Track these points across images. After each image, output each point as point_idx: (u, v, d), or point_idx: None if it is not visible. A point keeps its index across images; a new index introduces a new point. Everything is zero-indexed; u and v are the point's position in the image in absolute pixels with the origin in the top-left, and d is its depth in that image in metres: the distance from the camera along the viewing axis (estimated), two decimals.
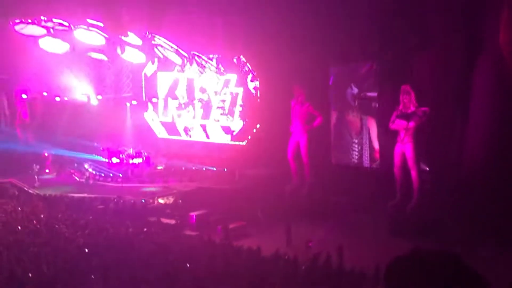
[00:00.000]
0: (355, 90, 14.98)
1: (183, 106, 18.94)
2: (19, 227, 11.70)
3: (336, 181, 14.67)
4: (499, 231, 10.95)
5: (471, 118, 12.79)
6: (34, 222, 12.13)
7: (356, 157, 15.22)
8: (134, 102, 19.40)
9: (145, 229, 12.10)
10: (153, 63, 18.76)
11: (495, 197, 11.70)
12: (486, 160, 12.39)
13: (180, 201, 14.75)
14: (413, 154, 12.40)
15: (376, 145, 14.73)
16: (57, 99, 18.93)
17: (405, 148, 12.48)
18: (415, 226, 11.93)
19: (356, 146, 15.24)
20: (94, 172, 17.43)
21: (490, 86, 12.50)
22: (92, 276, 8.60)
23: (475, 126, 12.72)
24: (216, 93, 18.22)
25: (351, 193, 14.02)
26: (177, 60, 16.72)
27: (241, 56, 17.16)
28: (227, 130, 18.01)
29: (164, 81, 19.17)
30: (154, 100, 19.37)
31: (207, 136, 18.55)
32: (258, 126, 17.21)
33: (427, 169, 13.34)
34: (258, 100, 17.23)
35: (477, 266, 2.89)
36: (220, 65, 17.43)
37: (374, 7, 14.12)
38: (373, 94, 14.67)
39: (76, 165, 18.11)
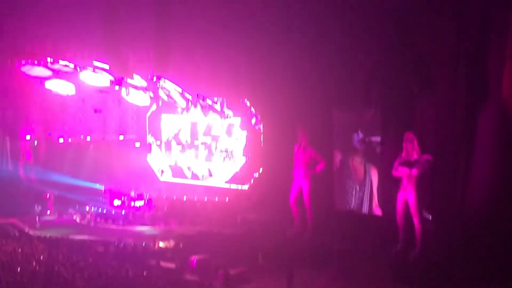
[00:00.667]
0: (360, 135, 14.95)
1: (186, 148, 18.93)
2: (19, 269, 11.60)
3: (338, 227, 14.59)
4: (503, 278, 10.87)
5: (474, 166, 12.75)
6: (34, 263, 12.04)
7: (359, 203, 15.12)
8: (137, 144, 19.39)
9: (145, 273, 12.00)
10: (157, 105, 18.81)
11: (499, 245, 11.63)
12: (489, 208, 12.32)
13: (181, 244, 14.63)
14: (415, 201, 12.35)
15: (379, 191, 14.67)
16: (61, 140, 18.94)
17: (407, 195, 12.43)
18: (418, 274, 11.83)
19: (359, 192, 15.16)
20: (95, 214, 17.34)
21: (493, 133, 12.50)
22: None
23: (479, 174, 12.68)
24: (219, 136, 18.21)
25: (354, 239, 13.90)
26: (181, 102, 16.79)
27: (246, 100, 17.21)
28: (229, 173, 17.95)
29: (168, 123, 19.20)
30: (157, 142, 19.37)
31: (210, 179, 18.48)
32: (261, 170, 17.17)
33: (430, 217, 13.26)
34: (262, 144, 17.22)
35: None
36: (224, 108, 17.47)
37: (378, 53, 14.22)
38: (377, 139, 14.65)
39: (77, 206, 18.03)
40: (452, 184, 12.95)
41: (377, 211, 14.72)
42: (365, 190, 15.01)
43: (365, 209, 15.05)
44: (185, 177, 19.04)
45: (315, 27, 14.86)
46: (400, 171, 12.55)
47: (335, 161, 15.50)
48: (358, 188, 15.12)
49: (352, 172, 15.24)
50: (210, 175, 18.51)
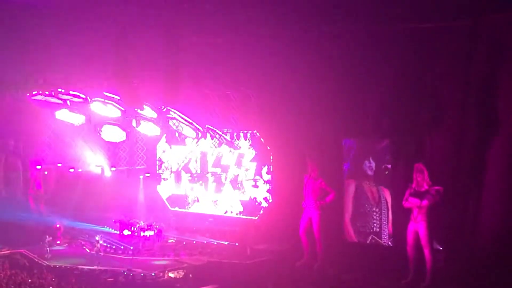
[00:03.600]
0: (371, 163, 14.94)
1: (196, 179, 18.96)
2: None
3: (348, 258, 14.55)
4: None
5: (484, 197, 12.75)
6: None
7: (369, 234, 15.09)
8: (147, 175, 19.44)
9: None
10: (167, 136, 18.89)
11: (510, 277, 11.58)
12: (500, 240, 12.29)
13: (190, 275, 14.60)
14: (426, 232, 12.33)
15: (389, 222, 14.63)
16: (71, 170, 19.02)
17: (418, 226, 12.42)
18: None
19: (369, 222, 15.13)
20: (105, 244, 17.31)
21: (503, 165, 12.51)
22: None
23: (489, 205, 12.67)
24: (229, 167, 18.24)
25: (364, 270, 13.87)
26: (191, 133, 16.82)
27: (255, 131, 17.27)
28: (239, 204, 17.96)
29: (178, 154, 19.26)
30: (167, 172, 19.41)
31: (219, 210, 18.48)
32: (270, 200, 17.18)
33: (440, 248, 13.22)
34: (271, 174, 17.24)
35: None
36: (234, 139, 17.52)
37: (389, 85, 14.29)
38: (388, 167, 14.63)
39: (87, 236, 18.02)
40: (463, 215, 12.94)
41: (388, 241, 14.68)
42: (376, 221, 14.97)
43: (375, 240, 15.01)
44: (194, 207, 19.04)
45: (326, 57, 14.94)
46: (411, 202, 12.56)
47: (345, 192, 15.49)
48: (368, 218, 15.09)
49: (363, 203, 15.21)
50: (220, 210, 18.49)
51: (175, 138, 18.85)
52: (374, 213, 14.88)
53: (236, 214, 18.10)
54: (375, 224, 14.91)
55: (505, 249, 12.25)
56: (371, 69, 14.53)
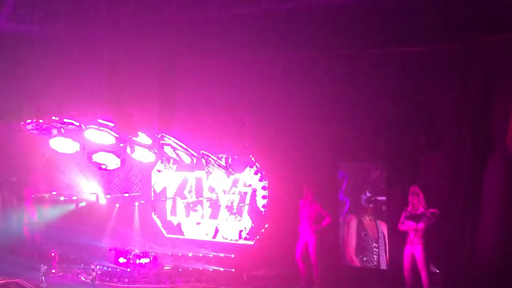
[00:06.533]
0: (367, 195, 14.99)
1: (191, 205, 18.89)
2: None
3: (344, 282, 14.53)
4: None
5: (481, 219, 12.74)
6: None
7: (366, 258, 15.07)
8: (142, 202, 19.37)
9: None
10: (162, 162, 18.86)
11: None
12: (497, 262, 12.26)
13: None
14: (423, 256, 12.30)
15: (386, 246, 14.62)
16: (66, 198, 18.95)
17: (414, 249, 12.39)
18: None
19: (365, 246, 15.12)
20: (100, 272, 17.21)
21: (500, 187, 12.52)
22: None
23: (486, 228, 12.66)
24: (224, 192, 18.20)
25: None
26: (186, 159, 16.80)
27: (250, 156, 17.26)
28: (235, 229, 17.89)
29: (173, 180, 19.21)
30: (162, 199, 19.35)
31: (215, 236, 18.41)
32: (266, 226, 17.12)
33: (438, 271, 13.18)
34: (267, 200, 17.21)
35: None
36: (229, 165, 17.49)
37: (384, 109, 14.34)
38: (383, 197, 14.69)
39: (82, 265, 17.92)
40: (460, 238, 12.92)
41: (384, 265, 14.65)
42: (372, 245, 14.96)
43: (372, 264, 14.99)
44: (190, 233, 18.97)
45: (320, 82, 14.99)
46: (407, 225, 12.54)
47: (340, 216, 15.49)
48: (364, 242, 15.09)
49: (359, 227, 15.21)
50: (215, 236, 18.43)
51: (169, 164, 18.76)
52: (375, 248, 14.91)
53: (232, 239, 17.97)
54: (375, 258, 14.93)
55: (503, 272, 12.22)
56: (365, 93, 14.59)
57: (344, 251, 15.57)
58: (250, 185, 17.59)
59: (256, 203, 17.49)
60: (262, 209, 17.34)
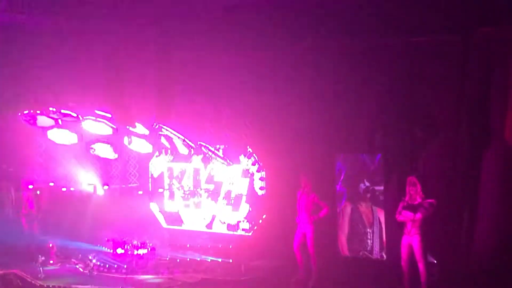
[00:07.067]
0: (365, 184, 15.02)
1: (189, 196, 18.91)
2: None
3: (343, 273, 14.55)
4: None
5: (479, 210, 12.77)
6: None
7: (364, 248, 15.12)
8: (140, 192, 19.38)
9: None
10: (160, 153, 18.86)
11: None
12: (494, 252, 12.29)
13: None
14: (420, 246, 12.30)
15: (383, 236, 14.66)
16: (63, 189, 18.95)
17: (412, 240, 12.39)
18: None
19: (363, 237, 15.16)
20: (98, 263, 17.23)
21: (497, 176, 12.54)
22: None
23: (483, 218, 12.68)
24: (222, 183, 18.22)
25: (359, 285, 13.85)
26: (183, 150, 16.82)
27: (248, 147, 17.27)
28: (232, 220, 17.92)
29: (170, 171, 19.22)
30: (160, 190, 19.37)
31: (212, 227, 18.44)
32: (264, 216, 17.15)
33: (435, 261, 13.21)
34: (264, 190, 17.23)
35: None
36: (226, 156, 17.49)
37: (381, 99, 14.34)
38: (381, 187, 14.73)
39: (80, 255, 17.93)
40: (457, 228, 12.95)
41: (382, 256, 14.69)
42: (370, 235, 15.00)
43: (369, 254, 15.03)
44: (188, 224, 18.99)
45: (318, 73, 14.99)
46: (404, 215, 12.54)
47: (338, 206, 15.53)
48: (362, 233, 15.13)
49: (357, 218, 15.25)
50: (213, 227, 18.46)
51: (167, 155, 18.76)
52: (368, 234, 14.96)
53: (230, 230, 17.99)
54: (368, 243, 14.99)
55: (500, 262, 12.26)
56: (362, 84, 14.59)
57: (337, 236, 15.62)
58: (247, 176, 17.61)
59: (253, 194, 17.51)
60: (260, 200, 17.36)
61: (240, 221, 17.78)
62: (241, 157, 17.52)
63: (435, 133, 13.47)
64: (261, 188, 17.33)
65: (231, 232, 17.93)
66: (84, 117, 15.58)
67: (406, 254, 12.61)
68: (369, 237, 15.00)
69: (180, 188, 19.08)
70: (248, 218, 17.62)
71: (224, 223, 18.15)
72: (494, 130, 12.72)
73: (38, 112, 15.61)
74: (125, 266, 16.93)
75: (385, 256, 14.61)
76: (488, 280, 12.21)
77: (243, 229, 17.74)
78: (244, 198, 17.73)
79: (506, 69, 12.67)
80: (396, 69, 14.11)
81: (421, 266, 12.38)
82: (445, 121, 13.59)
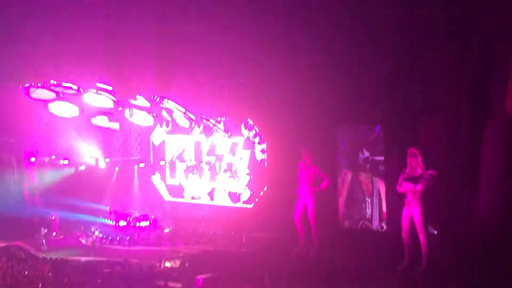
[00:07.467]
0: (365, 154, 15.04)
1: (190, 169, 18.95)
2: None
3: (344, 244, 14.60)
4: None
5: (480, 181, 12.78)
6: (40, 286, 12.02)
7: (364, 220, 15.19)
8: (141, 165, 19.41)
9: None
10: (161, 126, 18.85)
11: (506, 261, 11.62)
12: (495, 223, 12.33)
13: (187, 264, 14.63)
14: (421, 217, 12.34)
15: (384, 208, 14.72)
16: (65, 162, 18.98)
17: (413, 211, 12.43)
18: None
19: (364, 209, 15.22)
20: (100, 235, 17.32)
21: (499, 148, 12.54)
22: None
23: (484, 189, 12.70)
24: (223, 155, 18.24)
25: (359, 256, 13.91)
26: (185, 123, 16.81)
27: (249, 119, 17.26)
28: (234, 193, 17.96)
29: (171, 144, 19.27)
30: (161, 163, 19.41)
31: (214, 199, 18.49)
32: (265, 189, 17.19)
33: (435, 232, 13.25)
34: (266, 162, 17.25)
35: None
36: (227, 128, 17.49)
37: (382, 71, 14.29)
38: (381, 158, 14.75)
39: (83, 228, 18.02)
40: (458, 200, 12.97)
41: (383, 227, 14.75)
42: (370, 207, 15.07)
43: (370, 226, 15.09)
44: (189, 196, 19.05)
45: (319, 45, 14.93)
46: (405, 187, 12.56)
47: (339, 178, 15.58)
48: (362, 205, 15.18)
49: (357, 189, 15.30)
50: (214, 200, 18.50)
51: (168, 127, 18.74)
52: (367, 203, 15.02)
53: (231, 202, 18.06)
54: (368, 212, 15.05)
55: (501, 234, 12.30)
56: (363, 56, 14.53)
57: (337, 207, 15.69)
58: (248, 148, 17.62)
59: (254, 166, 17.54)
60: (261, 172, 17.39)
61: (241, 193, 17.83)
62: (242, 129, 17.50)
63: (436, 104, 13.45)
64: (262, 161, 17.36)
65: (232, 204, 18.01)
66: (85, 90, 15.55)
67: (406, 226, 12.65)
68: (368, 206, 15.07)
69: (182, 161, 19.11)
70: (249, 190, 17.66)
71: (226, 194, 18.20)
72: (495, 101, 12.69)
73: (39, 85, 15.57)
74: (128, 238, 17.04)
75: (385, 227, 14.67)
76: (489, 251, 12.25)
77: (244, 201, 17.79)
78: (245, 170, 17.77)
79: (506, 43, 12.64)
80: (396, 40, 14.05)
81: (421, 237, 12.43)
82: (447, 93, 13.56)
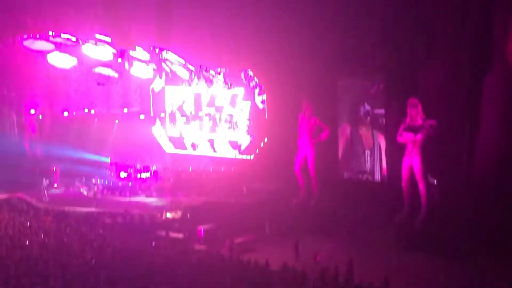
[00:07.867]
0: (366, 107, 15.02)
1: (190, 120, 18.94)
2: (27, 242, 11.67)
3: (343, 195, 14.69)
4: (509, 244, 10.91)
5: (479, 131, 12.75)
6: (42, 236, 12.10)
7: (364, 170, 15.24)
8: (142, 117, 19.39)
9: (153, 243, 12.11)
10: (160, 77, 18.77)
11: (505, 211, 11.65)
12: (494, 173, 12.34)
13: (188, 215, 14.73)
14: (420, 167, 12.37)
15: (384, 158, 14.73)
16: (65, 114, 18.98)
17: (412, 161, 12.45)
18: (423, 240, 11.90)
19: (363, 159, 15.26)
20: (102, 186, 17.42)
21: (498, 98, 12.48)
22: None
23: (483, 139, 12.68)
24: (223, 107, 18.21)
25: (359, 206, 14.01)
26: (184, 74, 16.76)
27: (249, 70, 17.17)
28: (234, 144, 17.98)
29: (171, 95, 19.21)
30: (161, 114, 19.39)
31: (215, 150, 18.52)
32: (265, 140, 17.19)
33: (435, 182, 13.28)
34: (266, 114, 17.22)
35: (484, 277, 2.89)
36: (227, 79, 17.43)
37: (382, 20, 14.16)
38: (381, 110, 14.73)
39: (84, 179, 18.11)
40: (458, 149, 12.95)
41: (383, 177, 14.79)
42: (370, 157, 15.09)
43: (370, 176, 15.14)
44: (190, 148, 19.07)
45: None
46: (405, 137, 12.56)
47: (339, 129, 15.58)
48: (362, 155, 15.21)
49: (357, 140, 15.31)
50: (215, 151, 18.52)
51: (168, 79, 18.65)
52: (367, 155, 15.07)
53: (232, 153, 18.08)
54: (367, 164, 15.10)
55: (500, 182, 12.31)
56: (363, 7, 14.38)
57: (337, 158, 15.77)
58: (249, 99, 17.57)
59: (255, 117, 17.52)
60: (261, 123, 17.37)
61: (241, 144, 17.84)
62: (243, 79, 17.41)
63: (437, 54, 13.36)
64: (262, 111, 17.31)
65: (233, 156, 18.04)
66: (84, 41, 15.47)
67: (406, 175, 12.68)
68: (368, 158, 15.10)
69: (182, 112, 19.09)
70: (249, 141, 17.68)
71: (226, 142, 18.20)
72: (496, 50, 12.59)
73: (38, 36, 15.48)
74: (129, 190, 17.14)
75: (385, 179, 14.70)
76: (488, 200, 12.28)
77: (244, 152, 17.81)
78: (245, 122, 17.74)
79: None
80: None
81: (421, 186, 12.46)
82: (447, 42, 13.45)
